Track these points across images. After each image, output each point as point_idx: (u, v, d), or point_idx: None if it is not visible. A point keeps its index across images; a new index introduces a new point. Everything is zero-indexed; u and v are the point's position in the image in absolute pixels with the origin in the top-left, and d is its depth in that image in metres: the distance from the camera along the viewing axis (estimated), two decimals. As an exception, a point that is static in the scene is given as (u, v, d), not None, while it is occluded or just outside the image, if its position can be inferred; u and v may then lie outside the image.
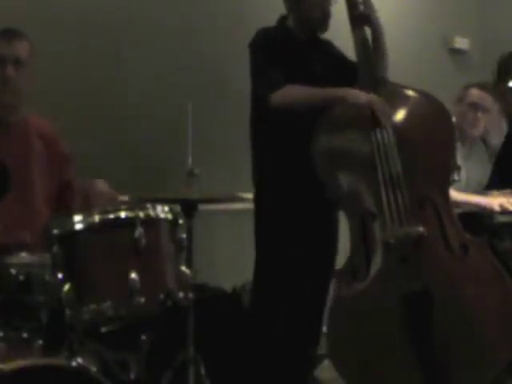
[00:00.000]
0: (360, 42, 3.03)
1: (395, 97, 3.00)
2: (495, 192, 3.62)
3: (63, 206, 2.79)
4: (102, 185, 2.74)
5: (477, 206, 3.52)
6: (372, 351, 2.74)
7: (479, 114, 3.73)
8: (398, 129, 2.89)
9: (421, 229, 2.76)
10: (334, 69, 3.15)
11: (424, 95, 3.04)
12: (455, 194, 3.21)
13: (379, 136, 2.86)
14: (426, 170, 2.88)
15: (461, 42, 5.15)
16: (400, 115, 2.98)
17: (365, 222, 2.88)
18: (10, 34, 2.67)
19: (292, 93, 2.91)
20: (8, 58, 2.62)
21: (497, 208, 3.50)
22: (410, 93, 3.05)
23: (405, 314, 2.72)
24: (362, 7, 3.03)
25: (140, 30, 3.75)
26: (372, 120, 2.86)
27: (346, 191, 2.94)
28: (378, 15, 3.06)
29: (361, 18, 3.04)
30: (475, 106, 3.72)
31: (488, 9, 5.24)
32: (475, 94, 3.74)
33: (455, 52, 5.16)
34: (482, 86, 3.81)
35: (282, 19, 3.15)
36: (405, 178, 2.81)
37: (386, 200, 2.81)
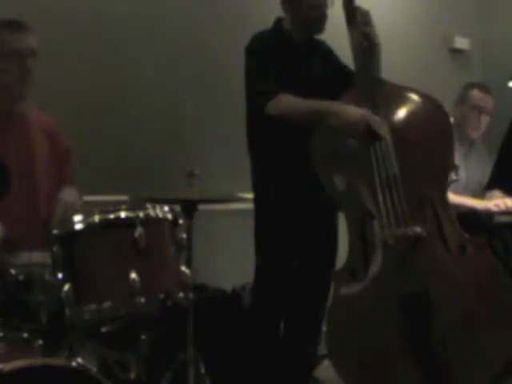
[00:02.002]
0: (357, 43, 3.02)
1: (393, 97, 3.00)
2: (497, 193, 3.62)
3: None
4: (67, 194, 2.71)
5: (472, 209, 3.52)
6: (371, 351, 2.75)
7: (482, 117, 3.73)
8: (395, 130, 2.89)
9: (418, 229, 2.76)
10: (331, 71, 3.15)
11: (422, 96, 3.04)
12: (451, 196, 3.21)
13: (377, 142, 2.86)
14: (423, 170, 2.89)
15: (461, 42, 5.15)
16: (397, 116, 2.99)
17: (363, 223, 2.88)
18: (23, 27, 2.69)
19: (287, 104, 2.91)
20: (26, 51, 2.65)
21: (493, 208, 3.50)
22: (408, 93, 3.05)
23: (404, 315, 2.72)
24: (363, 27, 3.01)
25: (140, 29, 3.75)
26: (369, 133, 2.86)
27: (345, 192, 2.94)
28: (376, 32, 3.05)
29: (361, 35, 3.02)
30: (478, 109, 3.72)
31: (488, 9, 5.24)
32: (478, 96, 3.74)
33: (455, 52, 5.16)
34: (484, 87, 3.80)
35: (278, 21, 3.15)
36: (402, 180, 2.82)
37: (383, 201, 2.81)
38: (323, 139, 2.95)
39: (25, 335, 2.24)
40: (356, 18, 3.02)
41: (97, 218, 2.26)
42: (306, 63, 3.11)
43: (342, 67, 3.20)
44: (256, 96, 2.97)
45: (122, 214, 2.29)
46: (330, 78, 3.10)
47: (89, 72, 3.58)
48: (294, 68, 3.03)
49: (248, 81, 3.04)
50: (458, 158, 3.32)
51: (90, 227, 2.25)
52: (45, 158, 2.76)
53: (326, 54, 3.22)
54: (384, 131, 2.85)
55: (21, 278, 2.27)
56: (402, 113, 3.01)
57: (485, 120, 3.76)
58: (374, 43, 3.01)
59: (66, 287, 2.20)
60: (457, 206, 3.32)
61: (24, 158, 2.68)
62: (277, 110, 2.89)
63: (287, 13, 3.12)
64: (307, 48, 3.14)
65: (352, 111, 2.86)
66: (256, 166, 3.16)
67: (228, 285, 3.54)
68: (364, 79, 2.99)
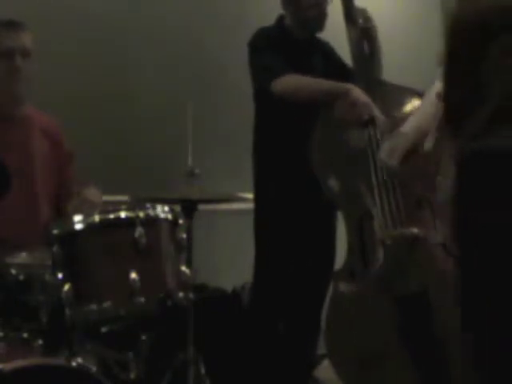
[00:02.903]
0: (355, 42, 3.02)
1: (391, 97, 3.00)
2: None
3: (59, 206, 2.78)
4: (90, 193, 2.70)
5: None
6: (370, 351, 2.75)
7: None
8: (394, 130, 2.89)
9: (415, 230, 2.76)
10: (332, 70, 3.15)
11: (420, 96, 3.04)
12: None
13: (374, 139, 2.86)
14: (422, 170, 2.88)
15: (461, 42, 5.14)
16: (396, 116, 2.98)
17: (362, 223, 2.88)
18: (16, 26, 2.69)
19: (294, 81, 2.91)
20: (16, 50, 2.64)
21: None
22: (407, 94, 3.05)
23: (403, 315, 2.72)
24: (361, 21, 3.01)
25: (140, 29, 3.76)
26: (368, 119, 2.86)
27: (343, 192, 2.94)
28: (376, 28, 3.05)
29: (361, 32, 3.01)
30: None
31: (488, 9, 5.23)
32: None
33: (455, 52, 5.15)
34: None
35: (280, 18, 3.16)
36: (399, 180, 2.82)
37: (381, 202, 2.81)
38: (325, 135, 2.94)
39: (25, 335, 2.25)
40: (354, 16, 3.02)
41: (97, 218, 2.26)
42: (306, 60, 3.11)
43: (343, 67, 3.20)
44: (262, 75, 2.96)
45: (122, 214, 2.28)
46: (331, 76, 3.09)
47: (89, 72, 3.58)
48: (294, 64, 3.03)
49: (253, 68, 3.04)
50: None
51: (89, 227, 2.25)
52: (45, 160, 2.76)
53: (328, 54, 3.22)
54: (381, 121, 2.86)
55: (21, 277, 2.27)
56: (400, 113, 3.01)
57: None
58: (374, 41, 3.01)
59: (66, 287, 2.20)
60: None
61: (24, 159, 2.68)
62: (284, 87, 2.88)
63: (287, 11, 3.12)
64: (308, 46, 3.14)
65: (361, 92, 2.87)
66: (257, 166, 3.16)
67: (228, 285, 3.54)
68: (363, 79, 2.99)
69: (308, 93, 2.92)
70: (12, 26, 2.69)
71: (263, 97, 3.00)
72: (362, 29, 3.00)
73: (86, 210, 2.49)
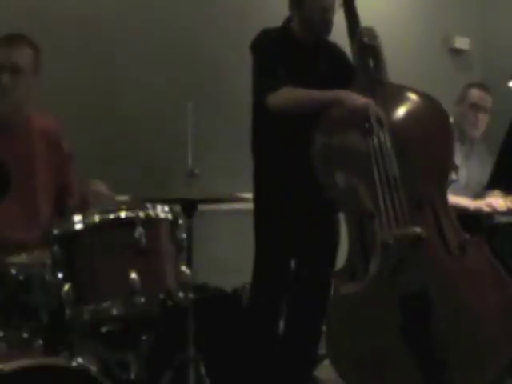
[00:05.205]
0: (359, 57, 3.01)
1: (393, 97, 3.00)
2: (497, 193, 3.62)
3: (61, 206, 2.78)
4: (99, 186, 2.73)
5: (465, 209, 3.51)
6: (371, 351, 2.74)
7: (480, 116, 3.73)
8: (395, 130, 2.89)
9: (418, 229, 2.76)
10: (337, 72, 3.13)
11: (422, 96, 3.04)
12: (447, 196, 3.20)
13: (376, 139, 2.86)
14: (423, 170, 2.88)
15: (461, 42, 5.15)
16: (397, 116, 2.98)
17: (363, 223, 2.88)
18: (11, 41, 2.62)
19: (289, 96, 2.91)
20: (5, 66, 2.57)
21: (485, 208, 3.51)
22: (408, 93, 3.05)
23: (404, 315, 2.72)
24: (367, 39, 3.00)
25: (140, 29, 3.76)
26: (368, 123, 2.86)
27: (344, 192, 2.94)
28: (381, 43, 3.04)
29: (366, 49, 3.01)
30: (476, 107, 3.72)
31: (488, 9, 5.24)
32: (476, 94, 3.74)
33: (455, 52, 5.16)
34: (482, 86, 3.81)
35: (288, 20, 3.13)
36: (402, 180, 2.81)
37: (383, 201, 2.80)
38: (325, 132, 2.94)
39: (25, 335, 2.25)
40: (359, 33, 3.01)
41: (97, 218, 2.26)
42: (312, 63, 3.09)
43: (352, 68, 3.17)
44: (259, 89, 2.96)
45: (122, 214, 2.28)
46: (334, 80, 3.07)
47: (89, 72, 3.58)
48: (299, 67, 3.02)
49: (253, 76, 3.04)
50: (458, 158, 3.32)
51: (89, 227, 2.25)
52: (44, 161, 2.75)
53: (336, 56, 3.17)
54: (381, 125, 2.85)
55: (21, 277, 2.27)
56: (401, 112, 3.01)
57: (484, 119, 3.76)
58: (380, 58, 3.00)
59: (66, 287, 2.20)
60: (454, 206, 3.32)
61: (23, 160, 2.67)
62: (278, 102, 2.89)
63: (295, 14, 3.08)
64: (315, 48, 3.10)
65: (357, 97, 2.86)
66: (258, 165, 3.16)
67: (228, 285, 3.54)
68: (364, 78, 2.99)
69: (302, 106, 2.92)
70: (7, 40, 2.62)
71: (260, 107, 2.99)
72: (367, 46, 2.99)
73: (104, 201, 2.51)
